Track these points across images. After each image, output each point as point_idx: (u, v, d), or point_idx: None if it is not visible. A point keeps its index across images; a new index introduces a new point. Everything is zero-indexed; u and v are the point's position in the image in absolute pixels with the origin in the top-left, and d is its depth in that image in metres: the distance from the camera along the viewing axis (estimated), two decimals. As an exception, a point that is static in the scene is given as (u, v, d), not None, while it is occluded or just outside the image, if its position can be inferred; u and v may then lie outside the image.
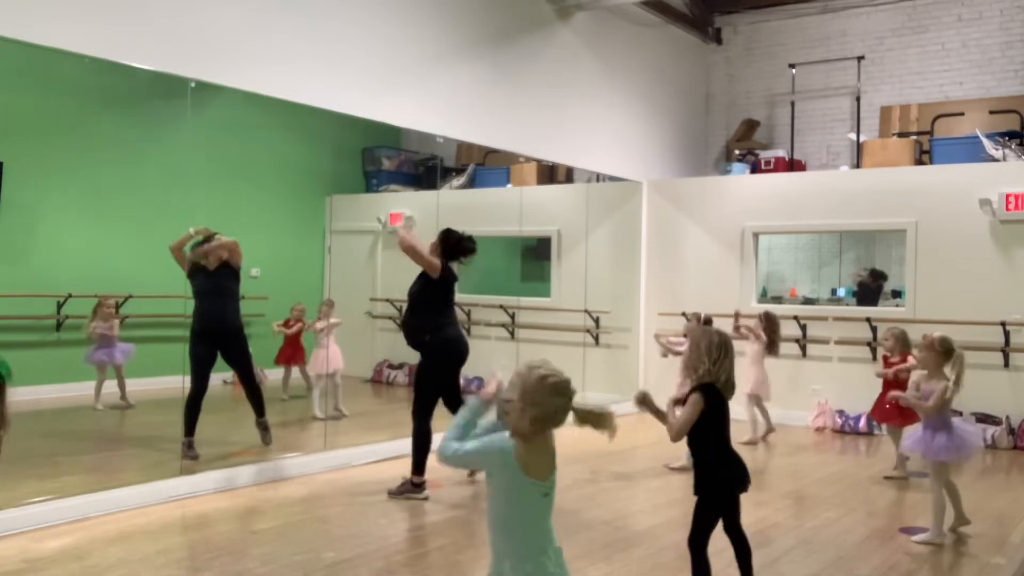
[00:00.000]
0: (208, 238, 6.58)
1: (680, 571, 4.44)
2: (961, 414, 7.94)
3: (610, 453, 7.59)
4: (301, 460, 6.60)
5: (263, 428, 6.82)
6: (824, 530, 5.26)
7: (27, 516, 4.95)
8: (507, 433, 2.57)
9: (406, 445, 7.26)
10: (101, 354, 7.96)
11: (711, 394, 3.67)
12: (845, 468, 7.23)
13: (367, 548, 4.72)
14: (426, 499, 5.75)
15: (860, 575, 4.49)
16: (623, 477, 6.74)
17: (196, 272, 6.54)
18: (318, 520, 5.34)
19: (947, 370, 4.98)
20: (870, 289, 9.64)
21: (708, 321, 7.23)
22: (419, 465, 5.82)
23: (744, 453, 7.02)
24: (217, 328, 6.51)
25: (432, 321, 5.83)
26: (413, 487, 5.80)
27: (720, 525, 3.82)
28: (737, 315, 8.33)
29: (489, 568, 2.66)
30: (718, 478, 3.73)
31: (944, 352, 4.97)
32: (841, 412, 8.85)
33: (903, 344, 6.85)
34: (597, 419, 2.60)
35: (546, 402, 2.52)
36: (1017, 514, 5.69)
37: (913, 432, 5.28)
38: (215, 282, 6.52)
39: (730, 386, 3.73)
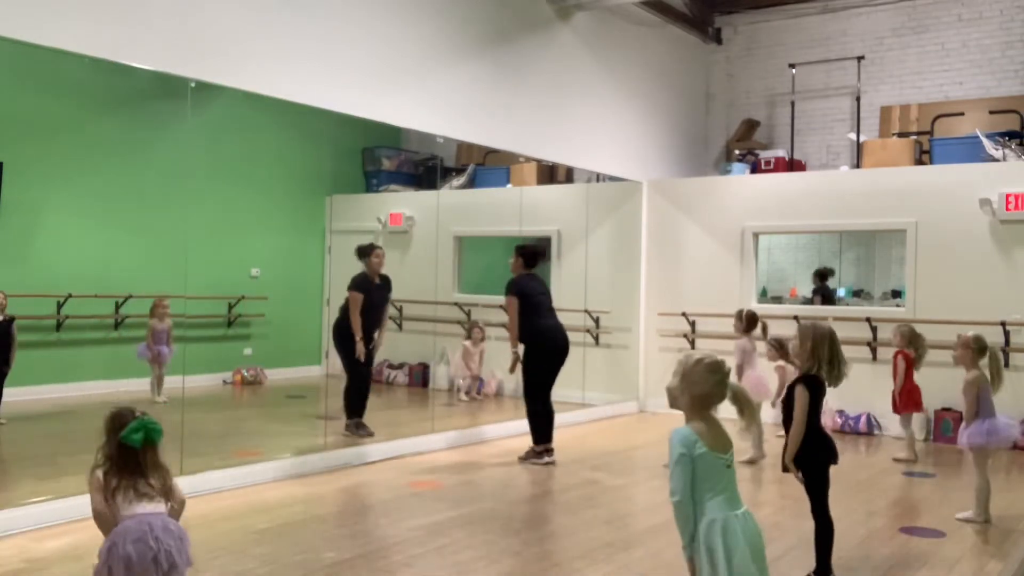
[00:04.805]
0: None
1: (680, 570, 4.44)
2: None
3: (610, 453, 7.59)
4: (301, 460, 6.60)
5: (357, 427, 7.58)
6: (824, 530, 5.25)
7: (27, 516, 4.95)
8: (678, 429, 2.93)
9: (405, 445, 7.33)
10: (153, 348, 8.33)
11: (811, 384, 4.27)
12: (845, 468, 7.20)
13: (367, 548, 4.72)
14: (553, 463, 6.91)
15: (860, 575, 4.49)
16: (623, 477, 6.74)
17: (370, 289, 7.55)
18: (318, 520, 5.35)
19: (983, 366, 5.38)
20: (827, 290, 9.85)
21: (752, 317, 7.34)
22: (542, 435, 6.94)
23: (750, 450, 7.11)
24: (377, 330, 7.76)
25: (528, 321, 6.97)
26: (537, 454, 6.94)
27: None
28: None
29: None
30: (811, 458, 4.19)
31: (978, 350, 5.39)
32: (841, 412, 8.84)
33: (907, 340, 7.27)
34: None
35: (703, 380, 2.94)
36: (1017, 514, 5.69)
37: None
38: (383, 295, 7.76)
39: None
